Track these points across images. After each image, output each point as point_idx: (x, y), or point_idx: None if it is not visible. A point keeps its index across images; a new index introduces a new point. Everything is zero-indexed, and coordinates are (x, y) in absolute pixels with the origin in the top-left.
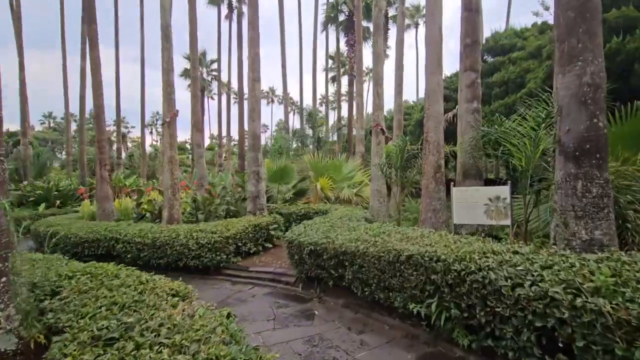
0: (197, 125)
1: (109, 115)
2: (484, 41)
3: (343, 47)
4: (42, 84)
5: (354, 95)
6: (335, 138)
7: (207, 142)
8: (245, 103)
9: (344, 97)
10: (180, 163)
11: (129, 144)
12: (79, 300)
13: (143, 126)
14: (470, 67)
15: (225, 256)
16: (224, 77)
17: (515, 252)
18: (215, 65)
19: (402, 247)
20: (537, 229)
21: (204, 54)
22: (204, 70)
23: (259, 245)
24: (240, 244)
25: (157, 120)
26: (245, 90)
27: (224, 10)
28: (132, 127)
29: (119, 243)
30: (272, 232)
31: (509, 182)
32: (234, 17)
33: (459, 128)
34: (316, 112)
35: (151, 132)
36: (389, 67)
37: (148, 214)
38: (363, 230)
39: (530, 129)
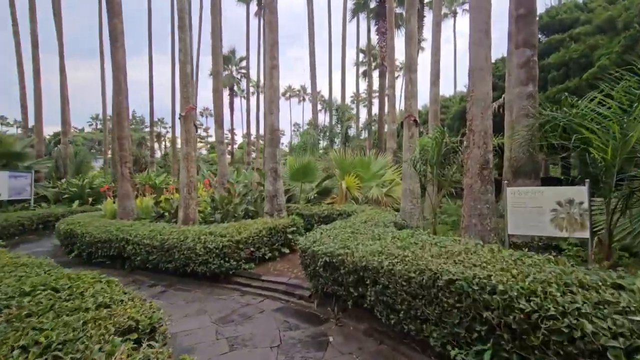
0: (219, 121)
1: (147, 116)
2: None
3: (374, 39)
4: (93, 88)
5: (386, 87)
6: (366, 135)
7: (239, 140)
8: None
9: (375, 95)
10: (212, 161)
11: (168, 144)
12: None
13: (174, 125)
14: (524, 43)
15: (235, 262)
16: (253, 75)
17: (619, 287)
18: (244, 63)
19: (440, 266)
20: (627, 243)
21: (233, 51)
22: (233, 68)
23: (275, 251)
24: (253, 249)
25: None
26: None
27: (253, 7)
28: (171, 127)
29: (129, 244)
30: (290, 236)
31: (586, 181)
32: (263, 14)
33: (506, 118)
34: (345, 107)
35: None
36: (423, 59)
37: (166, 213)
38: (390, 240)
39: (617, 109)
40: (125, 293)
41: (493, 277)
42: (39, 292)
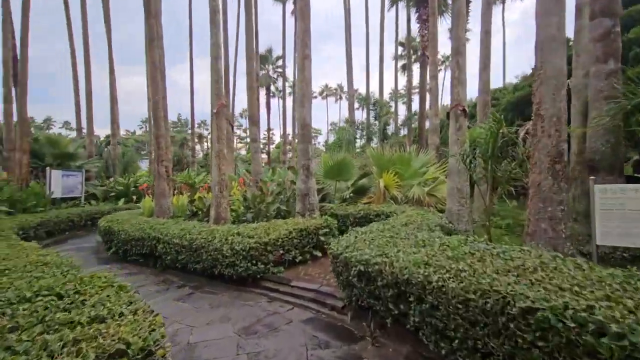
0: (253, 119)
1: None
2: None
3: (414, 30)
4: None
5: (427, 79)
6: (405, 133)
7: (277, 140)
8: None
9: (415, 91)
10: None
11: (209, 144)
12: None
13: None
14: (602, 11)
15: (263, 266)
16: (290, 75)
17: None
18: (280, 62)
19: (511, 288)
20: None
21: (269, 51)
22: (270, 67)
23: (306, 254)
24: (282, 252)
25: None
26: None
27: (289, 7)
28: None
29: (160, 243)
30: (323, 238)
31: None
32: None
33: (575, 103)
34: (383, 102)
35: None
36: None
37: (199, 212)
38: (438, 247)
39: None
40: (130, 303)
41: (597, 309)
42: (40, 298)
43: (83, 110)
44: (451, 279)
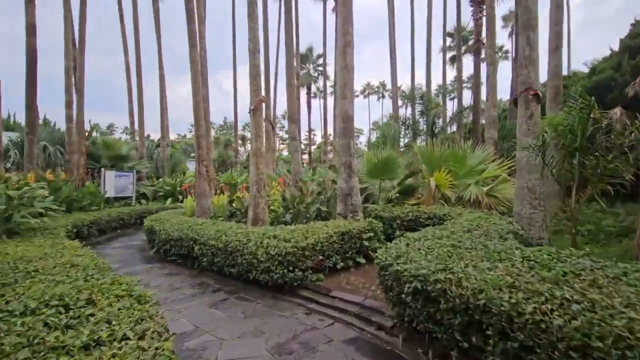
0: (292, 117)
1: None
2: None
3: (464, 20)
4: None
5: (481, 68)
6: (454, 130)
7: (318, 140)
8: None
9: (465, 85)
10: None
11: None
12: None
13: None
14: None
15: (300, 273)
16: (331, 73)
17: None
18: (321, 61)
19: None
20: None
21: (310, 49)
22: (311, 66)
23: (348, 260)
24: (322, 257)
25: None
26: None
27: (330, 4)
28: None
29: (197, 244)
30: (367, 243)
31: None
32: None
33: None
34: (431, 96)
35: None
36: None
37: (238, 212)
38: (520, 261)
39: None
40: (141, 321)
41: None
42: (45, 310)
43: (138, 116)
44: (555, 312)
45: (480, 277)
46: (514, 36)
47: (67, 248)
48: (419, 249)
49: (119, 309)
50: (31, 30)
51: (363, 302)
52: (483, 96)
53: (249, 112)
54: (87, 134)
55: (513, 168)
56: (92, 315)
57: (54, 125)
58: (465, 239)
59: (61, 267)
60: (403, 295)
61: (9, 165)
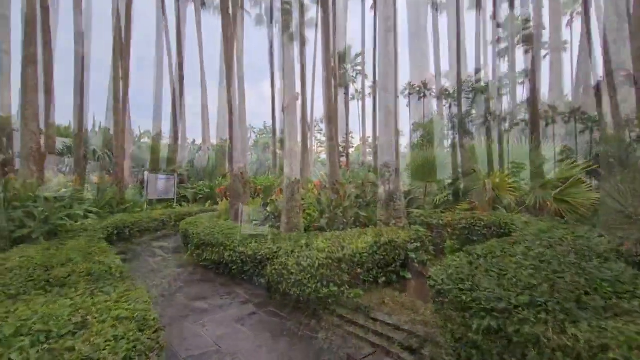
0: (329, 116)
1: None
2: None
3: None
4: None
5: (541, 55)
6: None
7: (356, 143)
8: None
9: (520, 81)
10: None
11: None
12: None
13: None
14: None
15: (336, 288)
16: (369, 72)
17: None
18: (359, 59)
19: None
20: None
21: (348, 48)
22: (349, 66)
23: (391, 274)
24: (360, 270)
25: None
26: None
27: (369, 1)
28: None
29: (227, 250)
30: (413, 255)
31: None
32: None
33: None
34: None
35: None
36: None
37: (272, 216)
38: None
39: None
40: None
41: None
42: (21, 339)
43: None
44: None
45: (596, 325)
46: (572, 25)
47: (95, 252)
48: (487, 270)
49: (108, 340)
50: (78, 38)
51: (412, 329)
52: (548, 86)
53: (282, 111)
54: (136, 139)
55: (590, 168)
56: (72, 349)
57: (106, 130)
58: (550, 257)
59: (76, 277)
60: (473, 335)
61: (64, 168)
